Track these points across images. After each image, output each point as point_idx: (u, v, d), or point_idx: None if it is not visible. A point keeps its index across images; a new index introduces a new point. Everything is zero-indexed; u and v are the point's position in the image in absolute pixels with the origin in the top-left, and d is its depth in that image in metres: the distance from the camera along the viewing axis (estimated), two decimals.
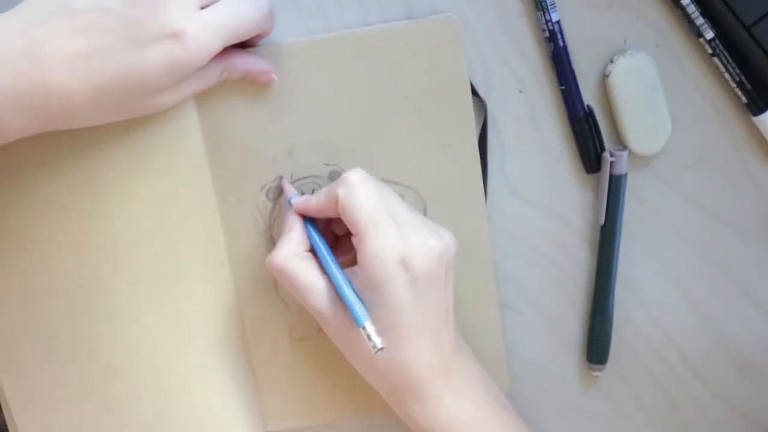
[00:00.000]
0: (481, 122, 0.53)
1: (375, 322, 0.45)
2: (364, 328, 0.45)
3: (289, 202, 0.50)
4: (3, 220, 0.51)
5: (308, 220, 0.49)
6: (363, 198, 0.46)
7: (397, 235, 0.45)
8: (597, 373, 0.56)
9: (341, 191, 0.46)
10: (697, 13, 0.51)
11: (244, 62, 0.49)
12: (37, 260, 0.51)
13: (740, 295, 0.56)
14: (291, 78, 0.51)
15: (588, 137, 0.53)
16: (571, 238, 0.55)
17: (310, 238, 0.49)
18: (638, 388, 0.57)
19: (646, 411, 0.58)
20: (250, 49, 0.50)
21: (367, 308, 0.46)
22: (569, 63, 0.52)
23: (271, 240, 0.53)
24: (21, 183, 0.50)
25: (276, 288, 0.54)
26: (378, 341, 0.45)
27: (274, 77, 0.50)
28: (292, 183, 0.52)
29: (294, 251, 0.48)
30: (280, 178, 0.52)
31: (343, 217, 0.46)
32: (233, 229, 0.53)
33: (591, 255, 0.55)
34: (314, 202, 0.48)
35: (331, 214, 0.48)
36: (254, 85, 0.51)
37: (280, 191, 0.52)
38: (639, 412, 0.58)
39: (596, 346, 0.56)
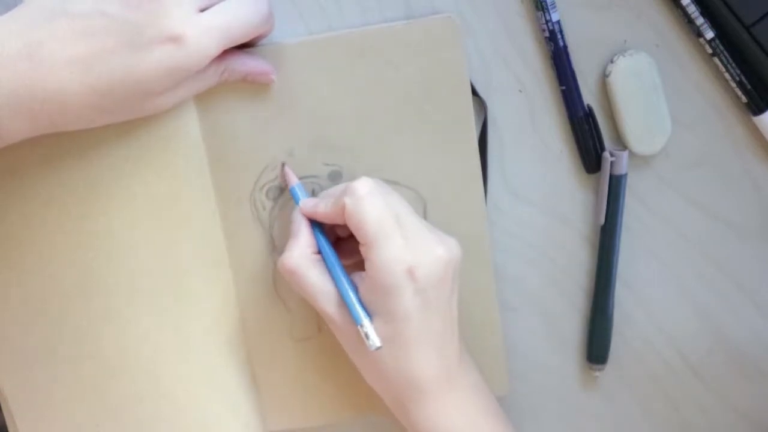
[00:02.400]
0: (481, 122, 0.53)
1: (381, 328, 0.46)
2: (361, 326, 0.46)
3: (293, 193, 0.51)
4: (3, 220, 0.51)
5: (314, 222, 0.50)
6: (370, 209, 0.46)
7: (404, 245, 0.45)
8: (597, 373, 0.56)
9: (348, 201, 0.46)
10: (697, 13, 0.51)
11: (243, 63, 0.49)
12: (36, 261, 0.51)
13: (740, 295, 0.56)
14: (291, 78, 0.51)
15: (588, 137, 0.53)
16: (571, 238, 0.55)
17: (316, 240, 0.49)
18: (638, 388, 0.57)
19: (646, 411, 0.58)
20: (249, 50, 0.50)
21: (374, 314, 0.46)
22: (569, 63, 0.52)
23: (271, 240, 0.53)
24: (21, 183, 0.50)
25: (276, 288, 0.54)
26: (376, 340, 0.45)
27: (274, 78, 0.50)
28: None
29: (303, 254, 0.48)
30: (283, 165, 0.52)
31: (350, 227, 0.47)
32: (233, 229, 0.53)
33: (591, 255, 0.55)
34: (321, 210, 0.48)
35: (338, 222, 0.48)
36: (254, 86, 0.51)
37: (280, 191, 0.52)
38: (639, 412, 0.58)
39: (596, 346, 0.56)
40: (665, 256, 0.56)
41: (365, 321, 0.46)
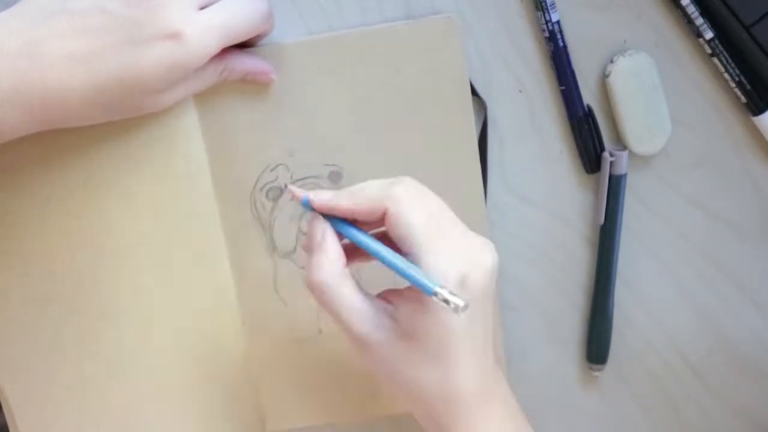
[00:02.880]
0: (481, 122, 0.53)
1: (426, 347, 0.42)
2: (436, 294, 0.40)
3: (305, 206, 0.45)
4: (3, 220, 0.51)
5: (335, 218, 0.45)
6: (417, 216, 0.42)
7: (454, 254, 0.42)
8: (597, 373, 0.56)
9: (391, 208, 0.42)
10: (696, 13, 0.51)
11: (243, 63, 0.49)
12: (36, 261, 0.51)
13: (740, 295, 0.56)
14: (291, 78, 0.51)
15: (588, 137, 0.53)
16: (571, 238, 0.55)
17: (344, 232, 0.44)
18: (638, 388, 0.57)
19: (646, 411, 0.58)
20: (249, 49, 0.50)
21: (420, 333, 0.42)
22: (569, 63, 0.52)
23: (271, 240, 0.53)
24: (21, 183, 0.50)
25: (276, 288, 0.54)
26: (458, 300, 0.40)
27: (273, 77, 0.50)
28: (292, 183, 0.52)
29: (334, 270, 0.43)
30: (285, 186, 0.51)
31: (392, 234, 0.43)
32: (233, 230, 0.53)
33: (591, 255, 0.55)
34: (345, 204, 0.43)
35: (368, 219, 0.44)
36: (254, 86, 0.51)
37: (279, 191, 0.52)
38: (639, 412, 0.58)
39: (596, 346, 0.56)
40: (665, 256, 0.56)
41: (438, 288, 0.40)
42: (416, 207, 0.42)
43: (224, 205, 0.52)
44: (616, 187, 0.53)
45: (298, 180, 0.52)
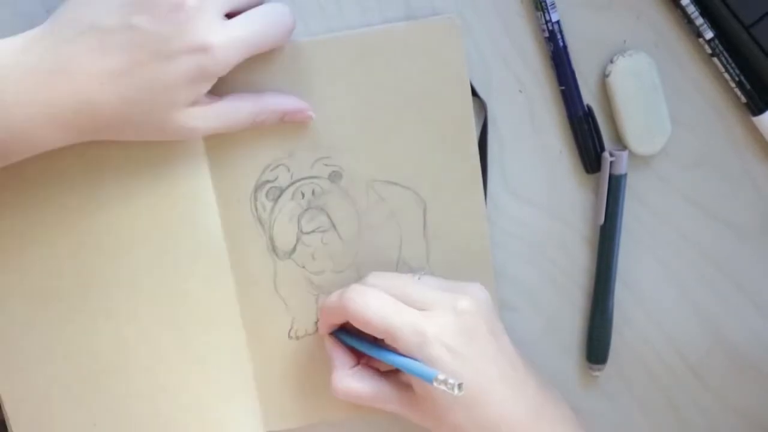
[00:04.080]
0: (481, 122, 0.53)
1: (441, 401, 0.46)
2: (436, 379, 0.44)
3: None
4: (3, 220, 0.51)
5: (340, 329, 0.52)
6: (370, 307, 0.47)
7: (422, 321, 0.46)
8: (597, 373, 0.56)
9: (350, 307, 0.47)
10: (696, 13, 0.51)
11: (280, 103, 0.50)
12: (36, 260, 0.51)
13: (740, 295, 0.56)
14: (291, 78, 0.51)
15: (588, 137, 0.53)
16: (571, 238, 0.55)
17: (346, 342, 0.51)
18: (638, 388, 0.57)
19: (646, 410, 0.58)
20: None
21: (432, 391, 0.46)
22: (569, 63, 0.52)
23: (271, 240, 0.53)
24: (21, 183, 0.50)
25: (276, 288, 0.54)
26: (454, 381, 0.44)
27: (312, 114, 0.51)
28: (292, 183, 0.52)
29: (344, 374, 0.50)
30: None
31: (365, 330, 0.48)
32: (233, 229, 0.53)
33: (591, 255, 0.55)
34: (324, 319, 0.51)
35: (341, 320, 0.50)
36: (254, 85, 0.51)
37: (279, 191, 0.52)
38: (639, 412, 0.58)
39: (596, 346, 0.56)
40: (665, 256, 0.56)
41: (437, 376, 0.44)
42: (365, 299, 0.48)
43: (224, 205, 0.52)
44: (616, 187, 0.53)
45: (298, 180, 0.52)
